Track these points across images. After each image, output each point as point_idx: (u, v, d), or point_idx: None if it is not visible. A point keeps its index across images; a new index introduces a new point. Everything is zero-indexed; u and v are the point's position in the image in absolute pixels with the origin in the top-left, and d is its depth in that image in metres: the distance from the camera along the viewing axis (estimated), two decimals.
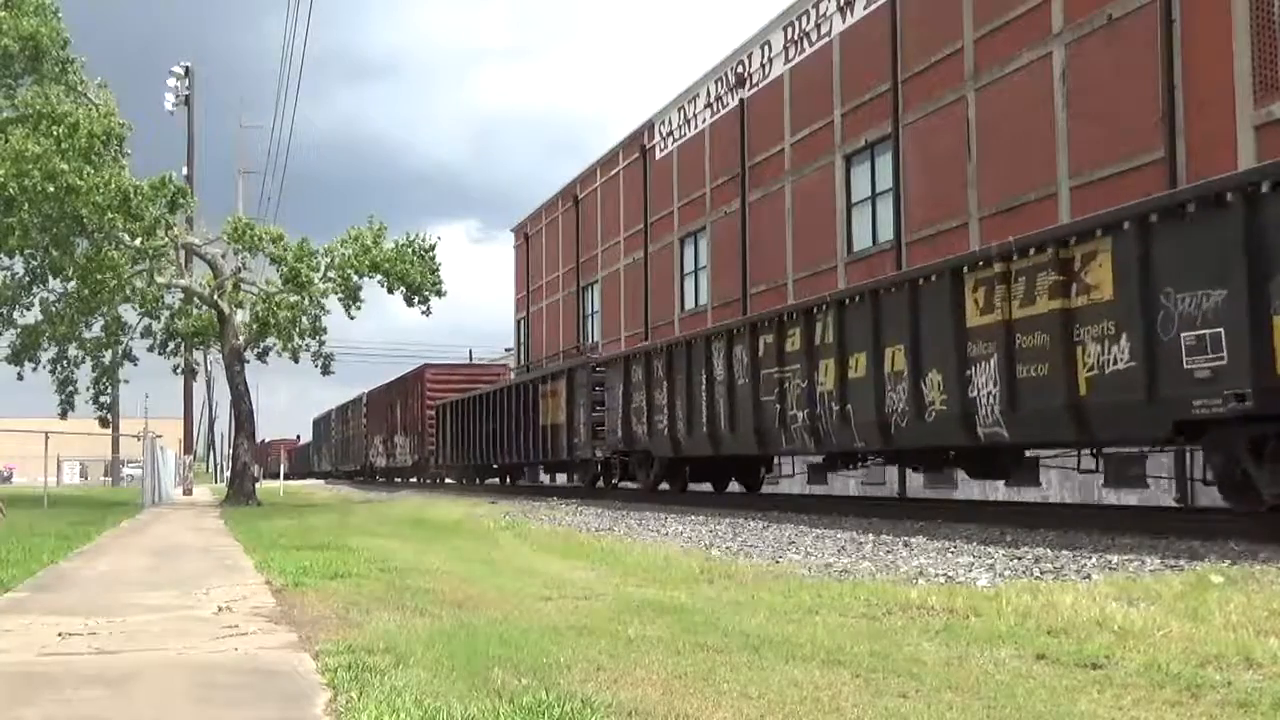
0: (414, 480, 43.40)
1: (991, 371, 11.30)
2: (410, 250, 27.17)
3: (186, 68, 39.81)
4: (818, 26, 27.52)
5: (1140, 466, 17.34)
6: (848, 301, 13.87)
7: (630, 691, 4.17)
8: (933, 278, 12.28)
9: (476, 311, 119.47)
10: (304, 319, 27.63)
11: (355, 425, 52.86)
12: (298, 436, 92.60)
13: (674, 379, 18.54)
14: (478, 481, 35.04)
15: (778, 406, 15.22)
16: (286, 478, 50.98)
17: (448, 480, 38.78)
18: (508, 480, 34.01)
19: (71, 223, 24.12)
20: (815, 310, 14.54)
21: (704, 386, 17.43)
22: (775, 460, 20.82)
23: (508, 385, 30.37)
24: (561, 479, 33.71)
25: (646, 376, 19.60)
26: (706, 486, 21.13)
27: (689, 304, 34.35)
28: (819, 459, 17.39)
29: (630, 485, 22.48)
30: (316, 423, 70.62)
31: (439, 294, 27.59)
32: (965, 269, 11.81)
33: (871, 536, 10.78)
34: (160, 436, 30.72)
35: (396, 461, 43.01)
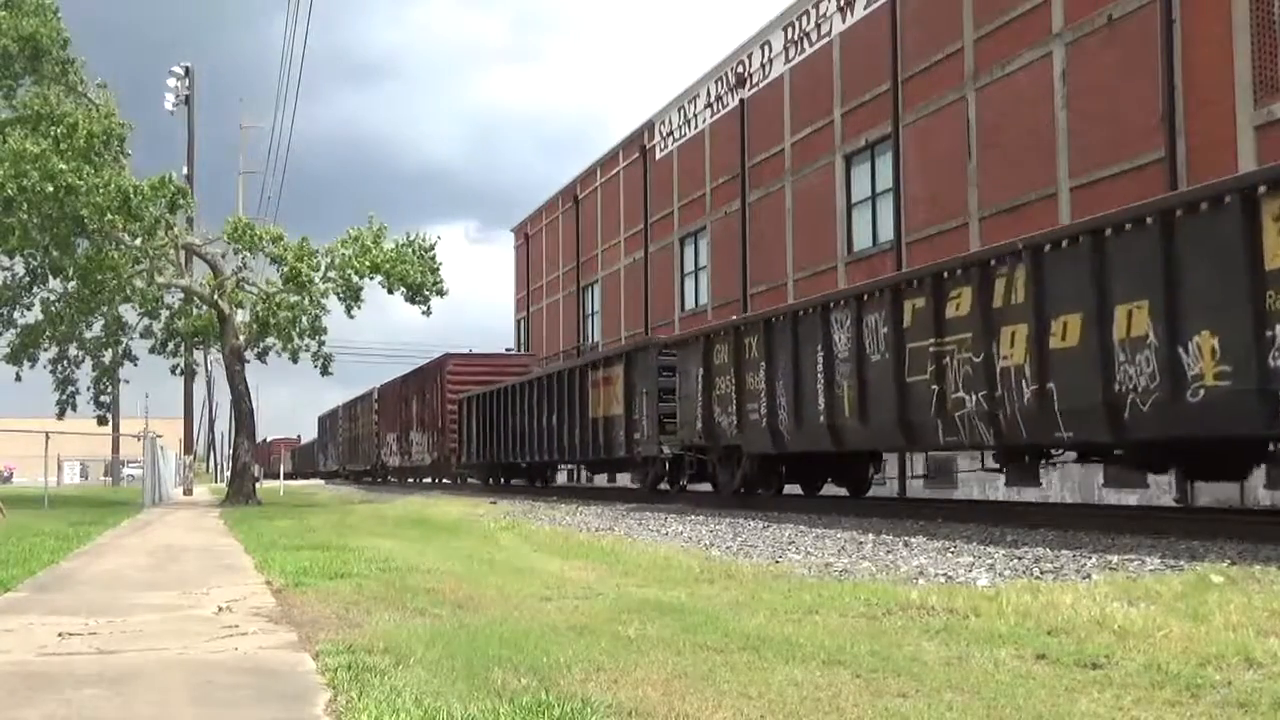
0: (429, 481, 40.65)
1: None
2: (410, 250, 27.17)
3: (186, 68, 39.86)
4: (818, 26, 27.52)
5: None
6: (1049, 248, 10.75)
7: (630, 691, 4.17)
8: (1203, 206, 9.16)
9: (475, 311, 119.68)
10: (304, 319, 27.62)
11: (365, 422, 49.56)
12: (298, 437, 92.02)
13: (775, 358, 15.48)
14: (504, 483, 31.89)
15: (934, 389, 12.20)
16: (289, 478, 50.73)
17: (470, 481, 35.63)
18: (536, 482, 31.06)
19: (71, 223, 24.12)
20: (994, 263, 11.45)
21: (820, 367, 14.40)
22: (882, 458, 17.88)
23: (546, 374, 26.93)
24: (599, 479, 31.24)
25: (736, 357, 16.45)
26: (793, 489, 18.10)
27: (689, 304, 34.36)
28: (943, 455, 15.36)
29: (699, 488, 19.79)
30: (322, 420, 67.44)
31: (440, 293, 27.57)
32: (1262, 190, 8.63)
33: (871, 536, 10.78)
34: (160, 436, 30.72)
35: (412, 460, 39.74)
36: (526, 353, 43.48)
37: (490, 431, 30.21)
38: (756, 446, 16.42)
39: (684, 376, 18.52)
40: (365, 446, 49.45)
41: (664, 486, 20.83)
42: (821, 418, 14.39)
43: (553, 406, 24.96)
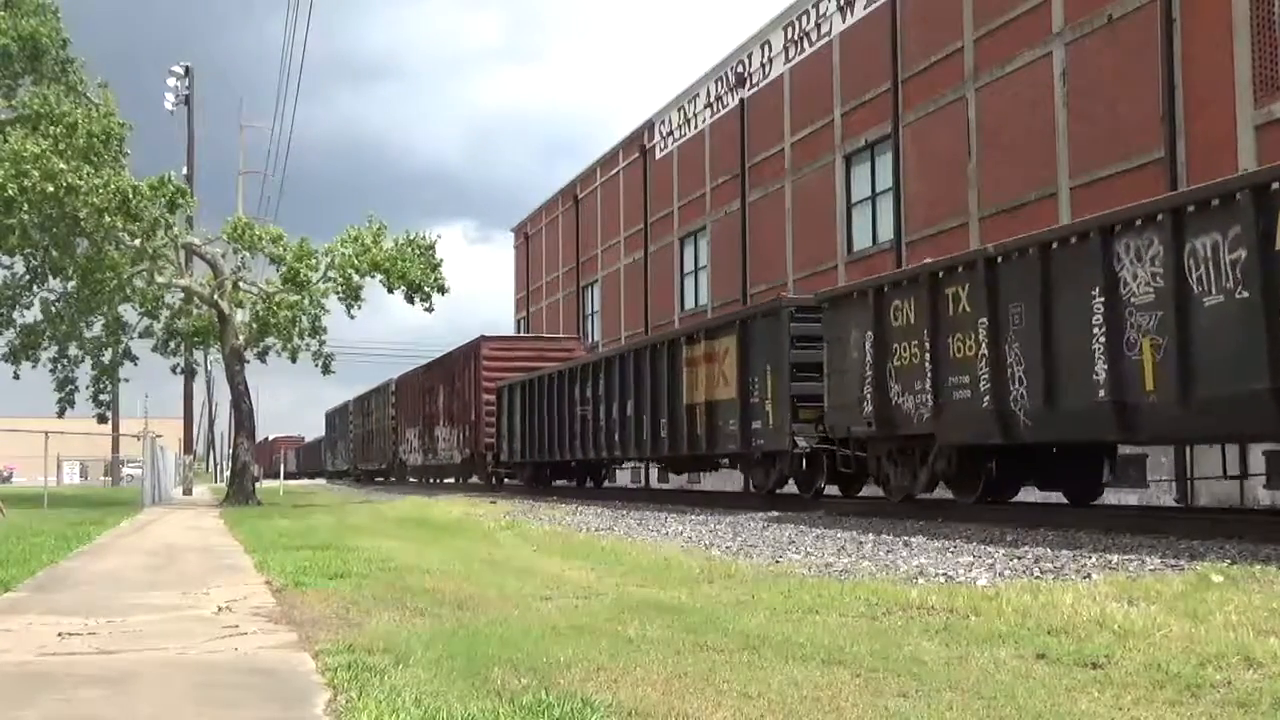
0: (454, 482, 36.35)
1: None
2: (410, 249, 27.16)
3: (187, 68, 39.81)
4: (818, 26, 27.52)
5: None
6: None
7: (630, 691, 4.17)
8: None
9: (474, 312, 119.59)
10: (304, 319, 27.62)
11: (380, 417, 45.12)
12: (302, 438, 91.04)
13: (1002, 312, 11.61)
14: (550, 483, 28.33)
15: None
16: (292, 477, 50.12)
17: (509, 481, 31.03)
18: (588, 483, 27.49)
19: (71, 223, 24.13)
20: None
21: (1098, 319, 10.39)
22: (1116, 452, 13.42)
23: (615, 354, 22.97)
24: (675, 479, 28.32)
25: (930, 314, 12.58)
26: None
27: (689, 304, 34.35)
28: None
29: (833, 491, 16.28)
30: (330, 416, 63.09)
31: (442, 291, 27.53)
32: None
33: (871, 536, 10.78)
34: (160, 436, 30.73)
35: (438, 458, 35.18)
36: (571, 335, 37.64)
37: (537, 425, 26.26)
38: (961, 435, 12.56)
39: (836, 346, 14.64)
40: (380, 444, 45.37)
41: (777, 489, 17.03)
42: (1101, 393, 10.32)
43: (624, 392, 21.14)
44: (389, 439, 43.22)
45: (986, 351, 11.81)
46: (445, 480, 38.01)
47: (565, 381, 24.65)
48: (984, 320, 11.86)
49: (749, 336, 16.72)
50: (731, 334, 17.22)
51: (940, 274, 12.67)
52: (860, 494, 16.36)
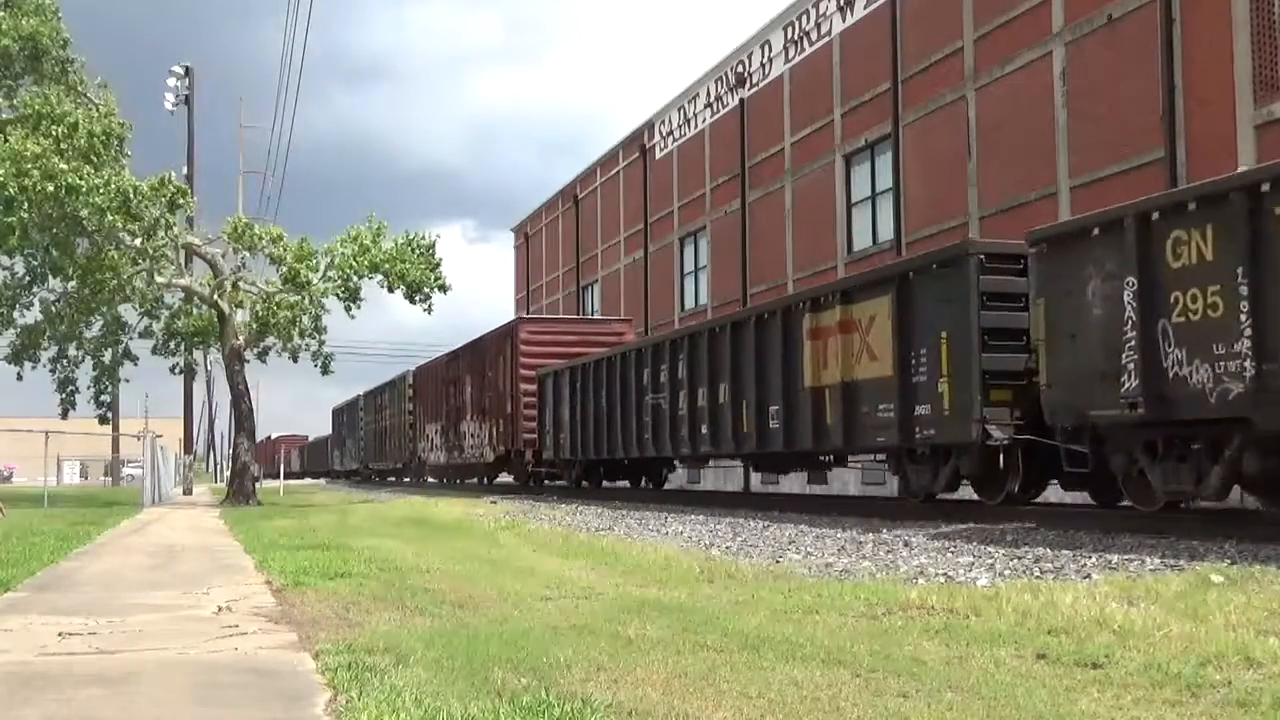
0: (482, 482, 32.59)
1: None
2: (409, 249, 27.15)
3: (187, 68, 39.78)
4: (818, 26, 27.52)
5: None
6: None
7: (630, 691, 4.17)
8: None
9: (472, 312, 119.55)
10: (304, 319, 27.61)
11: (395, 412, 41.72)
12: (305, 437, 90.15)
13: None
14: (601, 484, 24.85)
15: None
16: (293, 477, 49.57)
17: (549, 481, 27.45)
18: (646, 484, 24.14)
19: (71, 223, 24.13)
20: None
21: None
22: None
23: (706, 328, 18.70)
24: (756, 479, 24.61)
25: (1251, 246, 9.03)
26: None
27: (689, 304, 34.35)
28: None
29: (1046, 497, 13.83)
30: (338, 413, 59.94)
31: (443, 290, 27.50)
32: None
33: (871, 536, 10.78)
34: (160, 436, 30.73)
35: (465, 456, 31.63)
36: (618, 317, 33.00)
37: (591, 417, 22.86)
38: None
39: (1063, 301, 11.03)
40: (396, 441, 41.87)
41: (941, 494, 13.70)
42: None
43: (715, 375, 17.62)
44: (405, 436, 39.97)
45: None
46: (470, 481, 34.42)
47: (630, 365, 21.12)
48: None
49: (911, 297, 13.18)
50: (882, 295, 13.62)
51: (1268, 188, 9.02)
52: (1112, 501, 12.45)
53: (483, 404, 29.80)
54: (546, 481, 27.46)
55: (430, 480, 38.72)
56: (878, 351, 13.69)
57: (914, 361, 13.05)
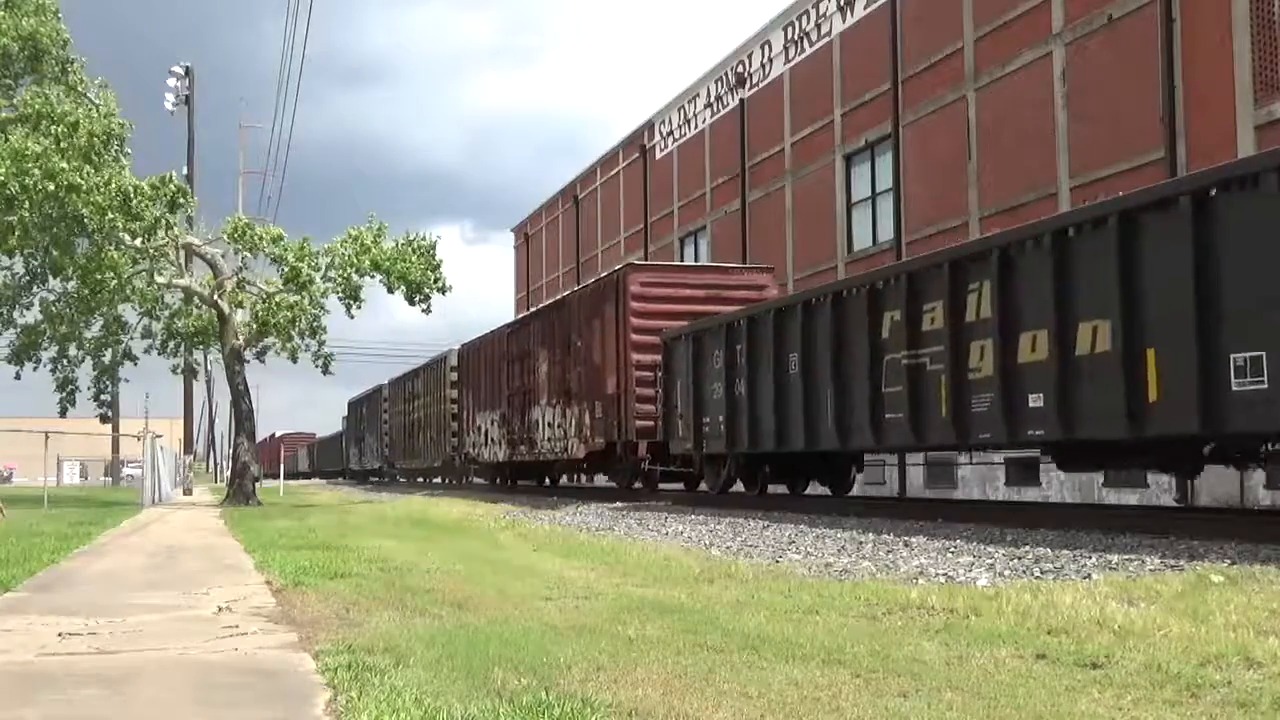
0: (569, 482, 27.67)
1: None
2: (410, 249, 27.15)
3: (187, 67, 39.80)
4: (818, 26, 27.52)
5: None
6: None
7: (630, 691, 4.17)
8: None
9: (470, 312, 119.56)
10: (304, 319, 27.61)
11: (432, 401, 35.75)
12: (313, 435, 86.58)
13: None
14: (761, 490, 17.72)
15: None
16: (296, 477, 48.54)
17: (664, 484, 20.85)
18: (833, 489, 17.34)
19: (71, 222, 24.13)
20: None
21: None
22: None
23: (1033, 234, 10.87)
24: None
25: None
26: None
27: None
28: None
29: None
30: (354, 405, 54.14)
31: (443, 290, 27.47)
32: None
33: (871, 536, 10.78)
34: (160, 436, 30.71)
35: (538, 452, 24.97)
36: (755, 265, 24.91)
37: (760, 394, 15.73)
38: None
39: None
40: (432, 435, 35.76)
41: None
42: None
43: (1062, 316, 10.28)
44: (446, 429, 33.71)
45: None
46: (581, 483, 28.22)
47: (845, 311, 13.73)
48: None
49: None
50: None
51: None
52: None
53: (566, 384, 23.07)
54: (662, 485, 20.93)
55: (479, 482, 33.16)
56: None
57: None
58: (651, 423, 19.66)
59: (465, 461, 32.45)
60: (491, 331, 29.63)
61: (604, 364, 21.04)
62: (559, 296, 25.80)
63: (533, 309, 27.79)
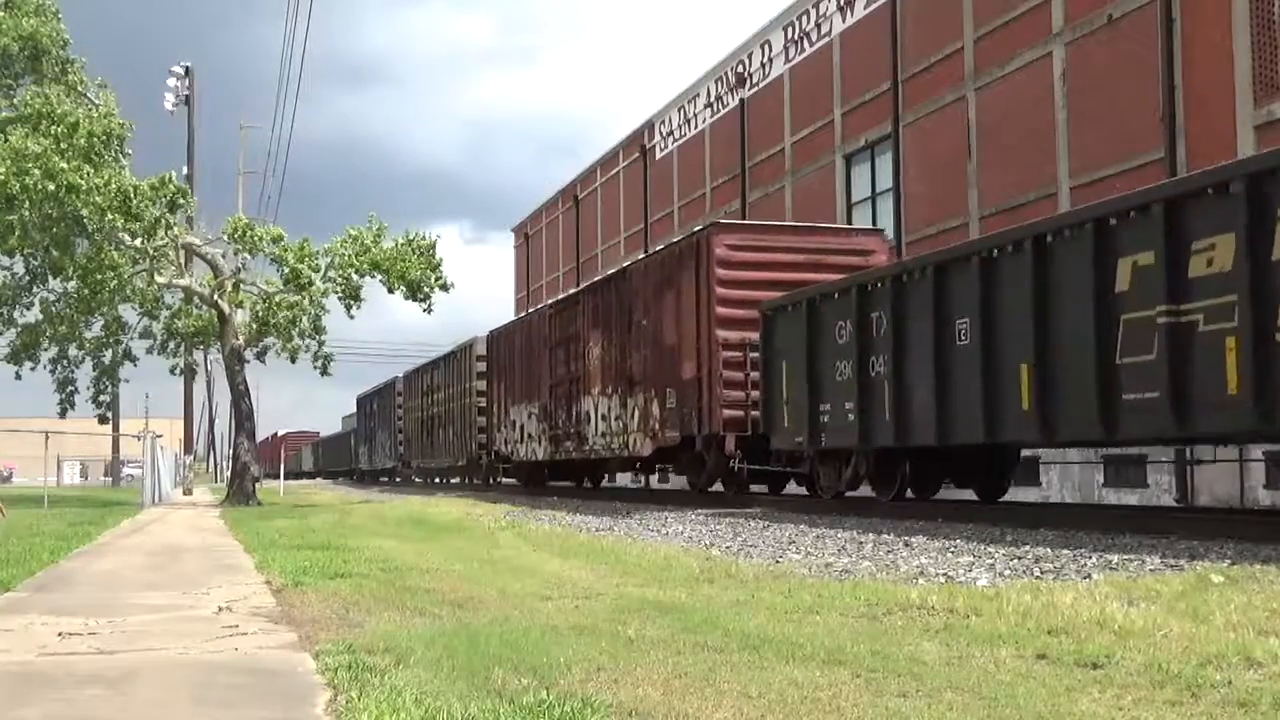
0: (636, 477, 25.19)
1: None
2: (409, 249, 27.15)
3: (187, 68, 39.81)
4: (818, 26, 27.53)
5: None
6: None
7: (630, 691, 4.17)
8: None
9: (469, 312, 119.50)
10: (304, 319, 27.61)
11: (455, 394, 32.49)
12: (317, 433, 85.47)
13: None
14: (902, 494, 14.52)
15: None
16: (299, 477, 48.48)
17: (755, 488, 17.97)
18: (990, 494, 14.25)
19: (71, 223, 24.14)
20: None
21: None
22: None
23: None
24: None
25: None
26: None
27: None
28: None
29: None
30: (363, 401, 50.78)
31: (444, 289, 27.45)
32: None
33: (871, 536, 10.77)
34: (160, 436, 30.73)
35: (590, 449, 21.77)
36: (866, 228, 21.96)
37: (914, 374, 12.61)
38: None
39: None
40: (455, 431, 32.70)
41: None
42: None
43: None
44: (471, 425, 30.73)
45: None
46: (661, 487, 25.51)
47: (1051, 259, 10.75)
48: None
49: None
50: None
51: None
52: None
53: (627, 369, 19.85)
54: (752, 487, 17.95)
55: (508, 482, 29.59)
56: None
57: None
58: (741, 412, 16.50)
59: (495, 460, 29.17)
60: (527, 313, 26.16)
61: (680, 344, 17.77)
62: (619, 267, 22.27)
63: (582, 284, 24.01)
